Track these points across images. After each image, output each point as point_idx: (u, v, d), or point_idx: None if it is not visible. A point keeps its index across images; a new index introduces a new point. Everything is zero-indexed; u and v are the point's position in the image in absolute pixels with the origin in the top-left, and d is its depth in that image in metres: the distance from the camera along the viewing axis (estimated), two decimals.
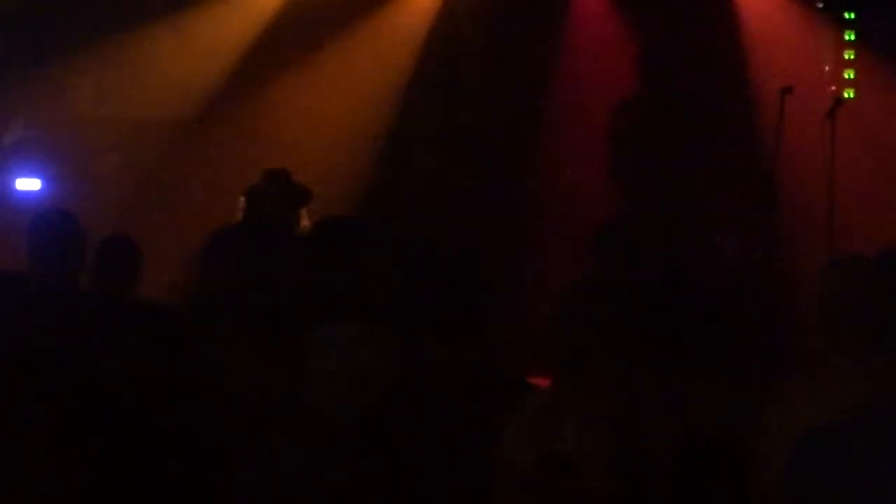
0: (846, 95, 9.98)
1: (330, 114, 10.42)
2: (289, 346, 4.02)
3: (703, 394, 4.14)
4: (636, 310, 4.60)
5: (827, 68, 10.42)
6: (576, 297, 4.88)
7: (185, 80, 10.06)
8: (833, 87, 10.18)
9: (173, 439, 3.31)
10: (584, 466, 3.46)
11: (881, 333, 3.98)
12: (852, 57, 10.34)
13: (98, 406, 3.42)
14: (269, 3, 10.39)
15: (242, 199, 7.98)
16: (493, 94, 10.35)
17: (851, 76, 10.31)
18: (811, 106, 9.32)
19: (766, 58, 10.42)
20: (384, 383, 3.89)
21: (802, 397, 3.79)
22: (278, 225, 7.52)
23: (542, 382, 4.27)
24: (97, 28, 9.81)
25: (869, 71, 10.26)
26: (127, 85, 10.09)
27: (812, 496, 2.34)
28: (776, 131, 9.03)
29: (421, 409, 3.94)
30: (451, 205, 9.85)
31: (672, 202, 9.55)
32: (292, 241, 6.46)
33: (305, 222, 7.98)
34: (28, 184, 9.30)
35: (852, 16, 10.37)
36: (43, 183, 9.33)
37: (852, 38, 10.35)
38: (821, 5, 10.50)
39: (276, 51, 10.30)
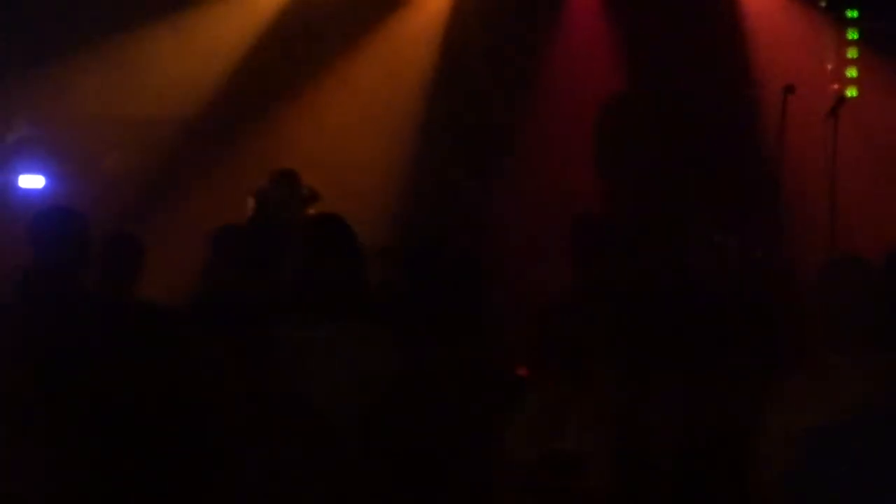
0: (848, 94, 9.97)
1: (343, 115, 10.42)
2: (288, 345, 4.03)
3: (703, 393, 4.14)
4: (637, 310, 4.60)
5: (829, 67, 10.41)
6: (574, 296, 4.89)
7: (187, 78, 10.07)
8: (835, 86, 10.17)
9: (173, 440, 3.31)
10: (586, 466, 3.47)
11: (880, 334, 3.98)
12: (855, 55, 10.34)
13: (98, 406, 3.43)
14: (271, 2, 10.39)
15: (251, 200, 8.00)
16: (500, 95, 10.36)
17: (854, 75, 10.31)
18: (813, 104, 9.31)
19: (769, 56, 10.42)
20: (384, 383, 3.90)
21: (802, 397, 3.79)
22: (286, 226, 7.53)
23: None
24: (99, 27, 9.81)
25: (871, 69, 10.26)
26: (129, 84, 10.09)
27: (813, 495, 2.35)
28: (778, 130, 9.02)
29: (421, 409, 3.94)
30: (455, 204, 9.85)
31: (664, 201, 9.55)
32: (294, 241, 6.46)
33: None
34: (31, 181, 9.30)
35: (855, 14, 10.37)
36: (46, 180, 9.34)
37: (855, 36, 10.35)
38: (823, 4, 10.50)
39: (278, 50, 10.30)
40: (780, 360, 4.37)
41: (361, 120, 10.41)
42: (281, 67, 10.29)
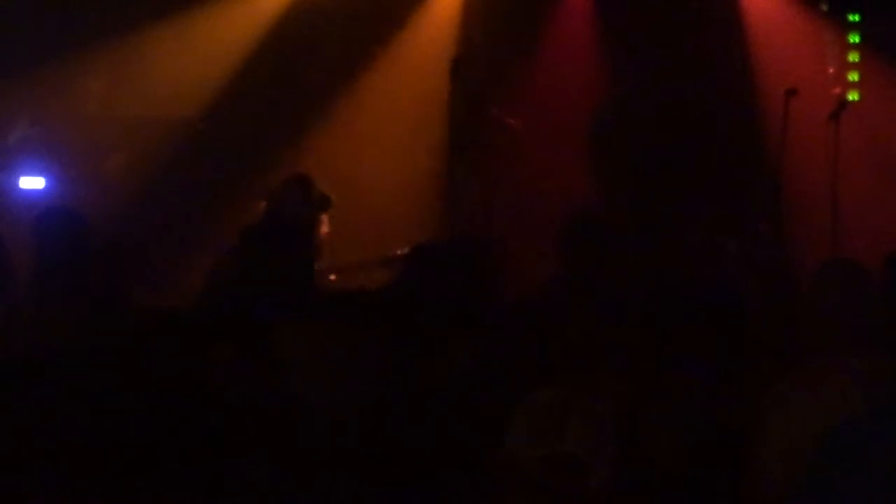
0: (850, 98, 9.97)
1: (354, 117, 10.43)
2: (290, 347, 4.03)
3: (706, 394, 4.14)
4: (642, 311, 4.60)
5: (831, 70, 10.41)
6: (577, 296, 4.88)
7: (188, 79, 10.07)
8: (837, 90, 10.17)
9: (177, 442, 3.32)
10: (589, 467, 3.46)
11: (877, 335, 3.99)
12: (856, 59, 10.34)
13: (100, 408, 3.43)
14: (273, 2, 10.39)
15: (263, 203, 8.00)
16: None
17: (855, 78, 10.31)
18: (815, 108, 9.31)
19: (771, 60, 10.42)
20: (384, 381, 3.90)
21: (803, 398, 3.79)
22: (298, 230, 7.52)
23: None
24: (101, 28, 9.81)
25: (873, 73, 10.26)
26: (132, 84, 10.10)
27: (815, 499, 2.34)
28: (780, 133, 9.03)
29: (421, 408, 3.94)
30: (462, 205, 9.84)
31: (662, 203, 9.54)
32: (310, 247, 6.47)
33: (325, 228, 8.00)
34: (32, 182, 9.30)
35: (857, 18, 10.37)
36: (47, 181, 9.33)
37: (856, 40, 10.35)
38: (825, 7, 10.50)
39: (280, 51, 10.30)
40: (781, 360, 4.38)
41: (370, 122, 10.42)
42: (283, 68, 10.29)
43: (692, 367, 4.25)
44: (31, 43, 9.62)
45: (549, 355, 4.32)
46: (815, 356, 4.10)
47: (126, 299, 5.28)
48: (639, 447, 3.91)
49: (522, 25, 10.68)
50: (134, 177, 9.72)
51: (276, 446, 3.59)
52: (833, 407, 3.58)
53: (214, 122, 10.02)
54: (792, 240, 9.34)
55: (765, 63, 10.46)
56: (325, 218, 8.03)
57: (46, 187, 9.29)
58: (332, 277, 8.55)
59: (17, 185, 9.29)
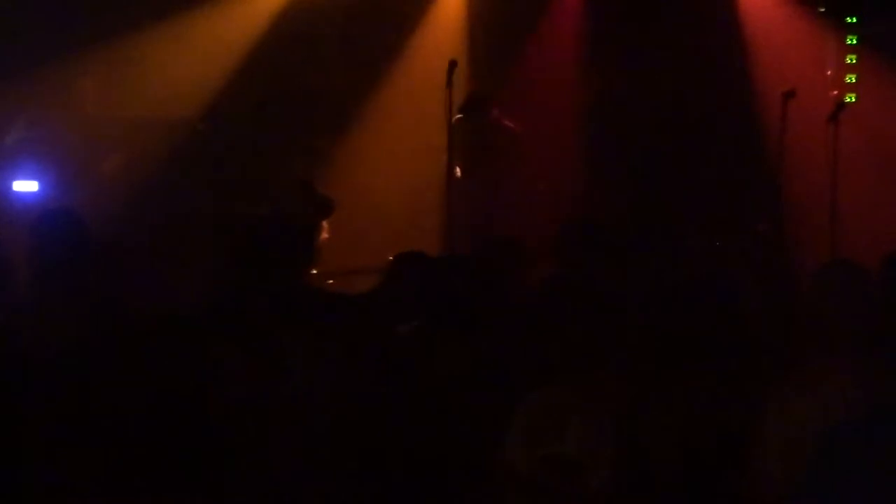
0: (848, 99, 9.98)
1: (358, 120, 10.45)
2: (290, 351, 4.03)
3: (704, 395, 4.14)
4: (641, 312, 4.61)
5: (829, 72, 10.42)
6: (576, 296, 4.88)
7: (187, 80, 10.06)
8: (835, 92, 10.18)
9: (177, 443, 3.32)
10: (588, 468, 3.45)
11: (875, 336, 4.00)
12: (854, 61, 10.35)
13: (99, 410, 3.43)
14: (270, 3, 10.39)
15: (264, 205, 8.02)
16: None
17: (853, 80, 10.32)
18: (814, 110, 9.32)
19: (769, 62, 10.43)
20: (384, 384, 3.90)
21: (802, 399, 3.79)
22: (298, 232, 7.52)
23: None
24: (100, 28, 9.81)
25: (871, 74, 10.26)
26: (130, 84, 10.09)
27: (827, 496, 2.34)
28: (779, 135, 9.03)
29: (421, 409, 3.94)
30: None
31: (661, 205, 9.56)
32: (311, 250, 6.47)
33: (325, 234, 8.00)
34: (25, 185, 9.28)
35: (854, 20, 10.38)
36: (44, 183, 9.32)
37: (854, 41, 10.36)
38: (822, 9, 10.51)
39: (278, 52, 10.30)
40: (780, 361, 4.38)
41: (371, 124, 10.44)
42: (280, 69, 10.29)
43: (692, 367, 4.25)
44: (29, 44, 9.62)
45: (549, 355, 4.32)
46: (814, 356, 4.10)
47: (124, 300, 5.28)
48: (638, 448, 3.91)
49: (520, 26, 10.69)
50: (132, 177, 9.71)
51: (276, 447, 3.59)
52: (832, 407, 3.58)
53: (213, 123, 10.01)
54: (791, 241, 9.34)
55: (763, 65, 10.47)
56: (325, 224, 8.04)
57: (42, 189, 9.28)
58: (330, 282, 8.56)
59: (10, 188, 9.27)
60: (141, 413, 3.44)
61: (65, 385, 3.67)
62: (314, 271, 7.38)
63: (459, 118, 9.51)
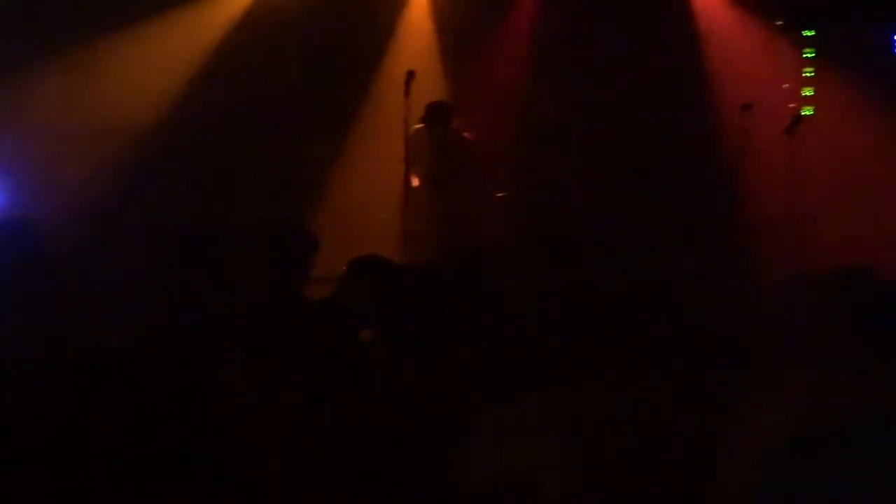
0: (804, 112, 10.06)
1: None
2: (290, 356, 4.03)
3: (666, 405, 4.14)
4: (600, 318, 4.61)
5: (786, 85, 10.50)
6: (538, 305, 4.88)
7: (149, 87, 10.00)
8: (792, 104, 10.26)
9: (177, 443, 3.30)
10: (542, 481, 3.45)
11: (837, 347, 4.02)
12: (811, 74, 10.43)
13: (99, 411, 3.41)
14: (234, 8, 10.36)
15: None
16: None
17: (810, 93, 10.40)
18: (773, 122, 9.39)
19: (726, 75, 10.50)
20: (343, 391, 3.88)
21: (766, 410, 3.80)
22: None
23: None
24: (61, 35, 9.73)
25: (828, 87, 10.35)
26: (91, 93, 10.01)
27: None
28: (737, 147, 9.10)
29: (385, 420, 3.92)
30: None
31: (618, 214, 9.59)
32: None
33: None
34: None
35: (811, 33, 10.46)
36: (0, 194, 9.24)
37: (812, 55, 10.44)
38: (780, 23, 10.59)
39: (242, 56, 10.26)
40: (742, 372, 4.39)
41: (339, 129, 10.42)
42: (245, 73, 10.25)
43: (652, 376, 4.26)
44: None
45: (510, 366, 4.31)
46: (776, 369, 4.12)
47: (81, 311, 5.24)
48: (597, 460, 3.91)
49: (477, 33, 10.72)
50: (93, 185, 9.64)
51: (276, 448, 3.59)
52: (796, 419, 3.59)
53: (176, 129, 9.97)
54: (751, 252, 9.40)
55: (721, 78, 10.54)
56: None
57: (1, 198, 9.19)
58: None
59: None
60: (142, 414, 3.42)
61: (60, 388, 3.64)
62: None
63: (420, 128, 9.54)
